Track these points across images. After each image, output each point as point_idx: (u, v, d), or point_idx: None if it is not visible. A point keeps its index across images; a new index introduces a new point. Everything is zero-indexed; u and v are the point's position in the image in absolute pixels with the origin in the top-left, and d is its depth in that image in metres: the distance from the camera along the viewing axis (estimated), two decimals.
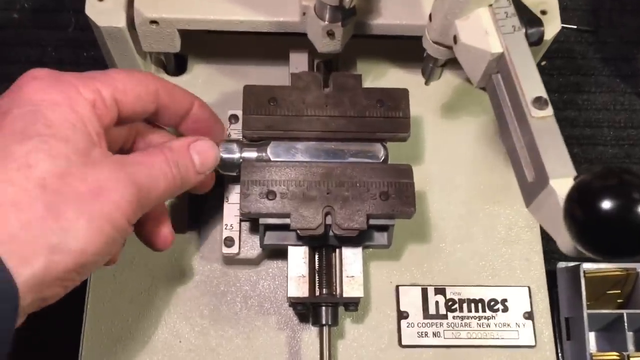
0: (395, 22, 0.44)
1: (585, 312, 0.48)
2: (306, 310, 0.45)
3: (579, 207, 0.27)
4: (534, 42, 0.37)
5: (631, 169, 0.27)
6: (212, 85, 0.52)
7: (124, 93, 0.34)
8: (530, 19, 0.38)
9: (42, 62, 0.59)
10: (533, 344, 0.47)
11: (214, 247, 0.47)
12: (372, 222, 0.43)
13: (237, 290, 0.47)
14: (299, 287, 0.43)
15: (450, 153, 0.52)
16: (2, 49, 0.60)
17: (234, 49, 0.53)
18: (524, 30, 0.36)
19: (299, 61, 0.50)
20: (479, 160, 0.51)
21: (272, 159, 0.44)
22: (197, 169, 0.37)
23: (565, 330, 0.51)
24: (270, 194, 0.42)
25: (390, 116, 0.45)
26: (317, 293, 0.44)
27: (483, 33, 0.35)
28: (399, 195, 0.43)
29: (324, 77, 0.46)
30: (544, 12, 0.47)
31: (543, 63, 0.63)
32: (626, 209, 0.26)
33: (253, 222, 0.46)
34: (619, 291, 0.51)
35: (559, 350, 0.50)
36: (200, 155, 0.37)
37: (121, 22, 0.43)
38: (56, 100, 0.31)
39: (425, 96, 0.52)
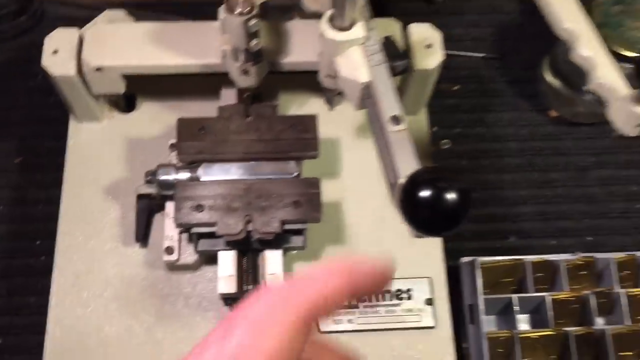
0: (302, 60, 0.53)
1: (481, 297, 0.56)
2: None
3: (405, 195, 0.35)
4: (402, 71, 0.46)
5: (446, 167, 0.35)
6: (158, 120, 0.60)
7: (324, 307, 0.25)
8: (398, 54, 0.46)
9: (15, 106, 0.68)
10: (433, 325, 0.55)
11: (158, 256, 0.55)
12: (288, 226, 0.51)
13: (179, 292, 0.55)
14: (227, 284, 0.51)
15: (364, 167, 0.60)
16: None
17: (177, 87, 0.61)
18: (387, 64, 0.44)
19: (228, 96, 0.58)
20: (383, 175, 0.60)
21: (202, 179, 0.52)
22: None
23: (469, 315, 0.58)
24: (199, 207, 0.51)
25: (301, 138, 0.53)
26: (244, 289, 0.52)
27: (355, 67, 0.44)
28: (309, 204, 0.51)
29: (248, 108, 0.55)
30: (429, 46, 0.56)
31: (456, 87, 0.72)
32: (436, 195, 0.34)
33: (189, 232, 0.54)
34: (512, 279, 0.59)
35: (465, 333, 0.58)
36: None
37: (72, 70, 0.52)
38: None
39: (342, 119, 0.60)
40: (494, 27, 0.75)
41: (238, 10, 0.45)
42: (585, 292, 0.57)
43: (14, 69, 0.70)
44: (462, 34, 0.75)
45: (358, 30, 0.44)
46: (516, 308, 0.56)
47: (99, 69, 0.52)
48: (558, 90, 0.67)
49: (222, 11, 0.46)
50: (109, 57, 0.53)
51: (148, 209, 0.55)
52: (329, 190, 0.55)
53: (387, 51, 0.46)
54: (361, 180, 0.59)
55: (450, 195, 0.33)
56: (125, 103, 0.61)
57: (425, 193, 0.34)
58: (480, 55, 0.74)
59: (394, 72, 0.46)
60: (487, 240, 0.65)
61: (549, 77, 0.68)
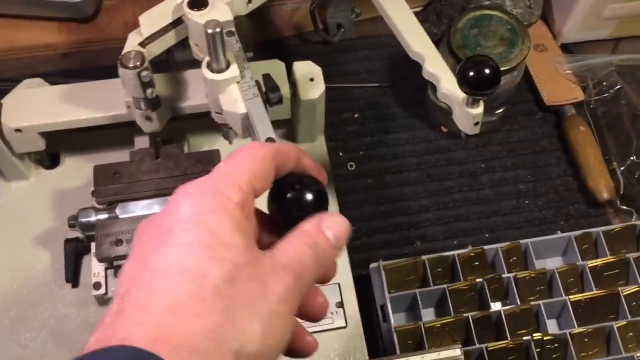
0: (197, 103, 0.60)
1: (387, 295, 0.62)
2: None
3: (270, 196, 0.40)
4: (277, 102, 0.53)
5: (303, 174, 0.38)
6: (80, 172, 0.66)
7: (255, 178, 0.34)
8: (272, 87, 0.54)
9: None
10: (344, 325, 0.61)
11: (89, 293, 0.60)
12: None
13: None
14: None
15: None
16: None
17: (95, 141, 0.68)
18: (261, 97, 0.51)
19: (142, 142, 0.65)
20: None
21: (120, 216, 0.58)
22: (333, 244, 0.35)
23: (381, 314, 0.64)
24: (118, 242, 0.56)
25: (207, 171, 0.59)
26: None
27: (234, 101, 0.51)
28: None
29: (158, 150, 0.62)
30: (312, 79, 0.63)
31: (356, 115, 0.80)
32: (292, 193, 0.37)
33: (113, 266, 0.60)
34: (414, 277, 0.65)
35: (380, 332, 0.64)
36: (332, 231, 0.35)
37: None
38: (212, 208, 0.32)
39: None
40: (384, 59, 0.83)
41: (131, 64, 0.52)
42: (478, 280, 0.64)
43: None
44: (358, 68, 0.83)
45: (233, 71, 0.51)
46: (420, 302, 0.63)
47: (18, 130, 0.59)
48: (444, 108, 0.76)
49: (119, 67, 0.53)
50: (26, 118, 0.59)
51: (75, 251, 0.61)
52: None
53: (266, 85, 0.54)
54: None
55: (309, 195, 0.37)
56: (50, 160, 0.67)
57: (283, 192, 0.37)
58: (375, 85, 0.82)
59: (271, 102, 0.53)
60: (396, 247, 0.72)
61: (435, 99, 0.76)
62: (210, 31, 0.47)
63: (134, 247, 0.33)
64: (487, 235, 0.73)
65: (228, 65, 0.51)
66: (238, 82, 0.52)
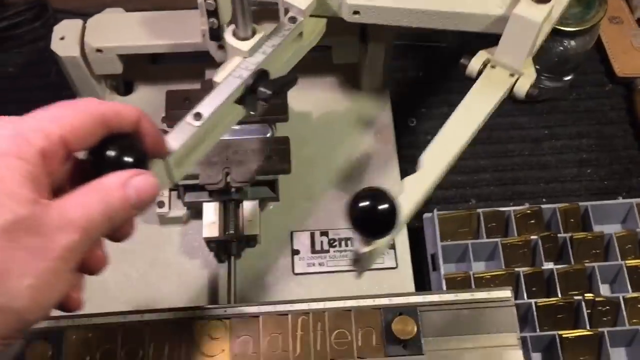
0: None
1: (439, 244, 0.63)
2: (219, 250, 0.60)
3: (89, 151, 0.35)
4: (262, 98, 0.48)
5: (131, 136, 0.36)
6: (152, 102, 0.69)
7: (71, 131, 0.33)
8: (270, 85, 0.48)
9: (32, 100, 0.77)
10: (394, 266, 0.61)
11: (152, 211, 0.63)
12: (261, 177, 0.59)
13: (170, 243, 0.62)
14: (211, 230, 0.59)
15: (330, 135, 0.68)
16: (1, 94, 0.78)
17: (167, 74, 0.70)
18: (248, 85, 0.47)
19: (212, 75, 0.67)
20: (348, 141, 0.68)
21: None
22: (133, 205, 0.34)
23: (431, 263, 0.65)
24: None
25: (273, 103, 0.61)
26: (227, 234, 0.59)
27: (223, 69, 0.49)
28: (279, 157, 0.59)
29: None
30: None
31: (421, 74, 0.81)
32: (108, 151, 0.35)
33: (177, 188, 0.62)
34: (468, 229, 0.65)
35: (429, 280, 0.65)
36: (137, 192, 0.34)
37: (76, 52, 0.61)
38: (5, 152, 0.31)
39: (312, 96, 0.69)
40: None
41: None
42: (533, 237, 0.64)
43: (31, 69, 0.80)
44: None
45: (243, 45, 0.48)
46: (471, 254, 0.63)
47: (99, 50, 0.61)
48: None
49: None
50: (107, 40, 0.62)
51: None
52: (301, 154, 0.63)
53: (271, 81, 0.49)
54: (328, 146, 0.67)
55: (126, 156, 0.35)
56: (124, 88, 0.69)
57: (103, 152, 0.35)
58: (443, 44, 0.82)
59: (257, 95, 0.48)
60: (451, 203, 0.72)
61: None
62: None
63: None
64: (544, 200, 0.72)
65: (249, 38, 0.49)
66: (244, 57, 0.49)
